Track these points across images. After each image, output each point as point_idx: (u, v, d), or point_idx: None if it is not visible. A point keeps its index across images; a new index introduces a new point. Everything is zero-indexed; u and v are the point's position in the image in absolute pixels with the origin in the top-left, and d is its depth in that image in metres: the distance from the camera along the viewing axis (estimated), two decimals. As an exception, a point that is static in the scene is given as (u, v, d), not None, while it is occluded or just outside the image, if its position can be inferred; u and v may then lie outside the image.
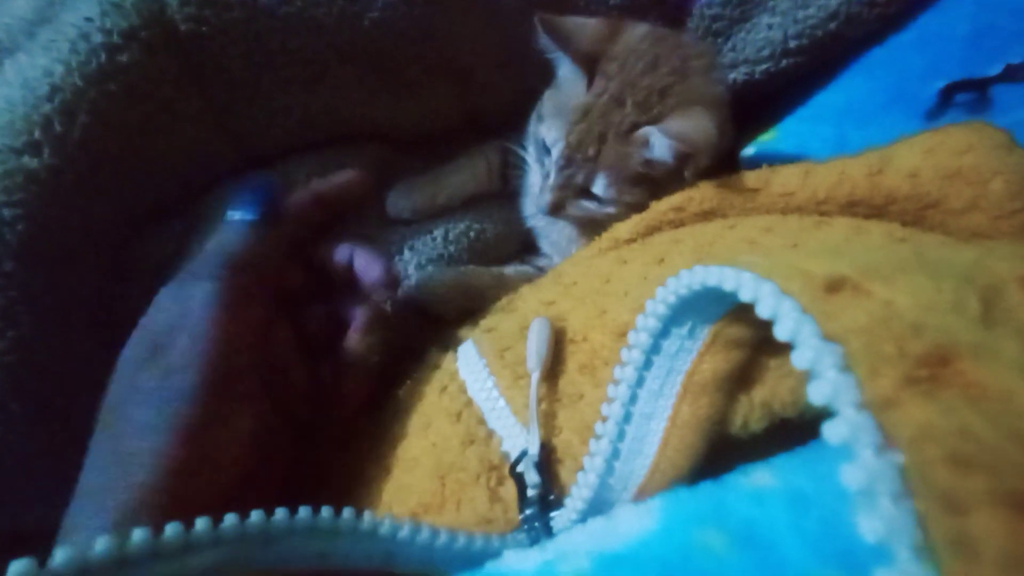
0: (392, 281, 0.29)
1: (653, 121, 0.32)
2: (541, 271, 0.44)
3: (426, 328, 0.39)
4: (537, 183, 0.36)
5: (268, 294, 0.26)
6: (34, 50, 0.29)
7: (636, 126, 0.32)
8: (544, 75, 0.42)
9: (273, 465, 0.25)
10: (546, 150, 0.35)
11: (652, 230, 0.31)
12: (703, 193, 0.30)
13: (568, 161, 0.33)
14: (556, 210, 0.35)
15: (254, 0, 0.32)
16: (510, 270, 0.43)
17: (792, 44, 0.37)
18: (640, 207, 0.31)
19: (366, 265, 0.29)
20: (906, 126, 0.37)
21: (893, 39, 0.36)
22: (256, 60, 0.33)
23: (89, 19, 0.29)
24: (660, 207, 0.31)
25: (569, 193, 0.35)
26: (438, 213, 0.42)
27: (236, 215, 0.26)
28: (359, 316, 0.28)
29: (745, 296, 0.15)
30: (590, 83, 0.33)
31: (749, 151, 0.42)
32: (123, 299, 0.33)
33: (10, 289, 0.28)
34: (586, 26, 0.34)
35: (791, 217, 0.29)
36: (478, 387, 0.25)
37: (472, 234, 0.42)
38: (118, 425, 0.22)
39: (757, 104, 0.42)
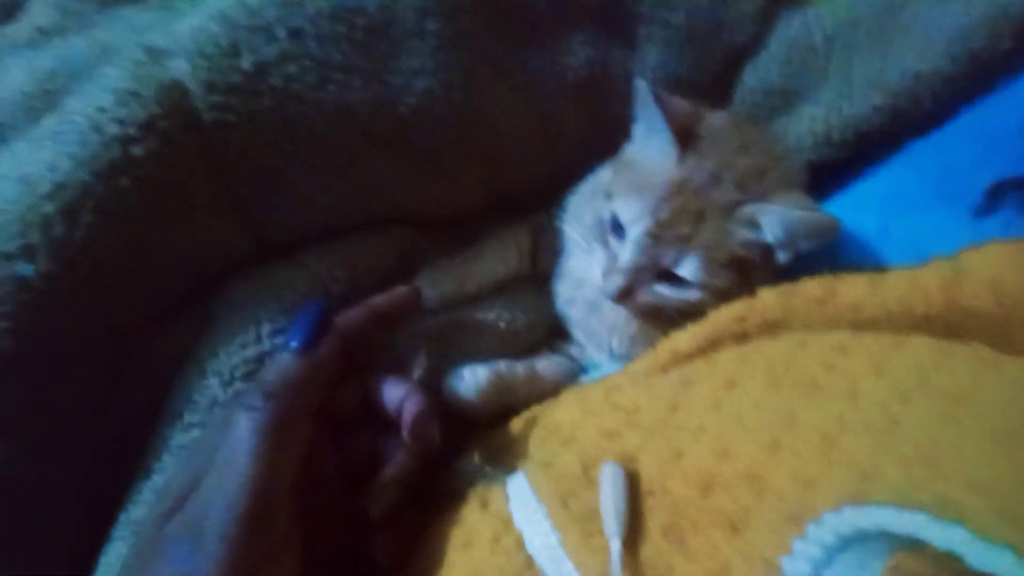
0: (427, 421, 0.25)
1: (756, 201, 0.30)
2: (573, 361, 0.41)
3: (454, 431, 0.36)
4: (598, 265, 0.34)
5: (312, 423, 0.23)
6: (37, 140, 0.26)
7: (739, 204, 0.31)
8: (579, 155, 0.41)
9: None
10: (615, 230, 0.33)
11: (713, 343, 0.29)
12: (765, 303, 0.28)
13: (655, 240, 0.31)
14: (625, 296, 0.32)
15: (285, 86, 0.29)
16: (542, 364, 0.39)
17: (835, 136, 0.36)
18: (725, 296, 0.29)
19: (395, 390, 0.26)
20: (953, 220, 0.36)
21: (941, 130, 0.36)
22: (283, 147, 0.31)
23: (102, 109, 0.26)
24: (721, 317, 0.29)
25: (645, 276, 0.32)
26: (466, 301, 0.39)
27: (286, 343, 0.24)
28: (385, 472, 0.26)
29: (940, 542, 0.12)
30: (680, 158, 0.31)
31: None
32: (122, 406, 0.29)
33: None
34: (676, 100, 0.32)
35: (865, 336, 0.26)
36: (539, 543, 0.22)
37: (502, 324, 0.39)
38: None
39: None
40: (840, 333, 0.26)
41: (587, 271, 0.37)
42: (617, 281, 0.32)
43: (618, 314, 0.36)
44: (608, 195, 0.33)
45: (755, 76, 0.37)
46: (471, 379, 0.34)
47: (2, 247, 0.24)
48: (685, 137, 0.31)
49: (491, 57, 0.34)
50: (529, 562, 0.21)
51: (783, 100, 0.37)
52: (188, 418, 0.29)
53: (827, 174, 0.39)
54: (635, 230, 0.31)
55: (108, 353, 0.29)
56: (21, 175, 0.25)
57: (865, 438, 0.19)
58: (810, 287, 0.28)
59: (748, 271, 0.31)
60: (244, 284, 0.32)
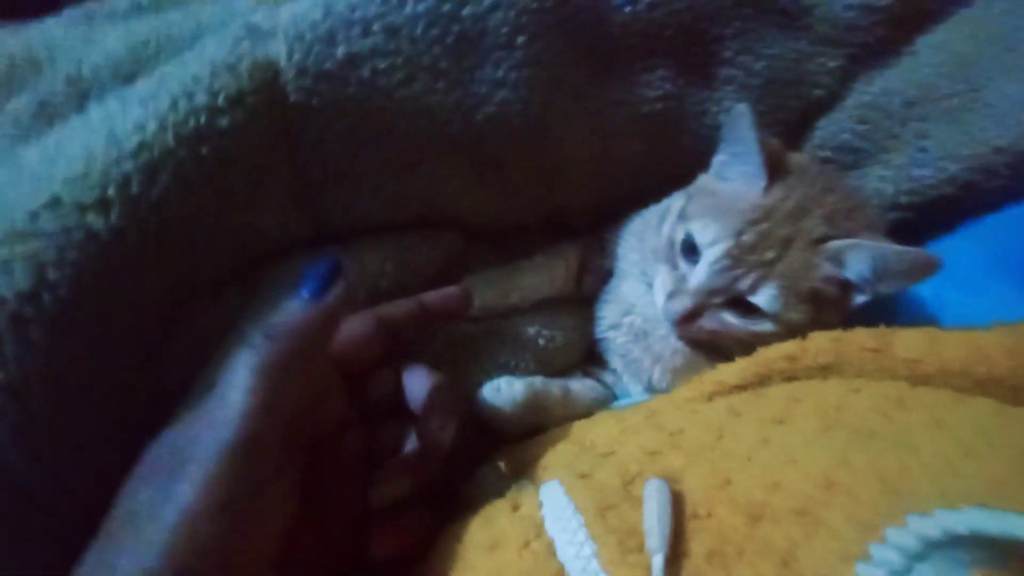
0: (452, 406, 0.25)
1: (845, 236, 0.30)
2: (607, 388, 0.40)
3: (477, 443, 0.35)
4: (662, 288, 0.33)
5: (315, 369, 0.23)
6: (128, 100, 0.26)
7: (828, 238, 0.30)
8: (633, 184, 0.41)
9: None
10: (687, 252, 0.32)
11: (762, 379, 0.28)
12: (818, 345, 0.28)
13: (734, 263, 0.30)
14: (689, 319, 0.31)
15: (372, 80, 0.30)
16: (576, 385, 0.39)
17: (903, 200, 0.36)
18: (792, 333, 0.29)
19: (422, 385, 0.26)
20: (1012, 298, 0.36)
21: (1008, 208, 0.35)
22: (359, 138, 0.31)
23: (197, 78, 0.26)
24: (771, 354, 0.28)
25: (714, 302, 0.31)
26: (507, 313, 0.39)
27: (297, 291, 0.23)
28: (395, 462, 0.25)
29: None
30: (768, 188, 0.31)
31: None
32: (158, 381, 0.29)
33: (28, 360, 0.24)
34: (768, 136, 0.32)
35: (923, 391, 0.26)
36: (572, 553, 0.21)
37: (541, 341, 0.38)
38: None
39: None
40: (896, 385, 0.26)
41: (639, 296, 0.36)
42: (684, 303, 0.31)
43: (665, 345, 0.35)
44: (683, 217, 0.33)
45: (827, 132, 0.37)
46: (507, 391, 0.34)
47: (80, 197, 0.24)
48: (773, 169, 0.31)
49: (571, 80, 0.34)
50: (560, 571, 0.21)
51: (853, 158, 0.37)
52: None
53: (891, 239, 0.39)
54: (712, 251, 0.30)
55: (155, 323, 0.28)
56: (110, 131, 0.25)
57: (929, 487, 0.19)
58: (864, 336, 0.28)
59: (821, 309, 0.30)
60: (294, 266, 0.32)
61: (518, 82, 0.33)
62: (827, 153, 0.37)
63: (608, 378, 0.40)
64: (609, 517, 0.22)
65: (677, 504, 0.21)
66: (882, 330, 0.28)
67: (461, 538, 0.24)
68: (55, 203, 0.24)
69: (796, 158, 0.33)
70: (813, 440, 0.22)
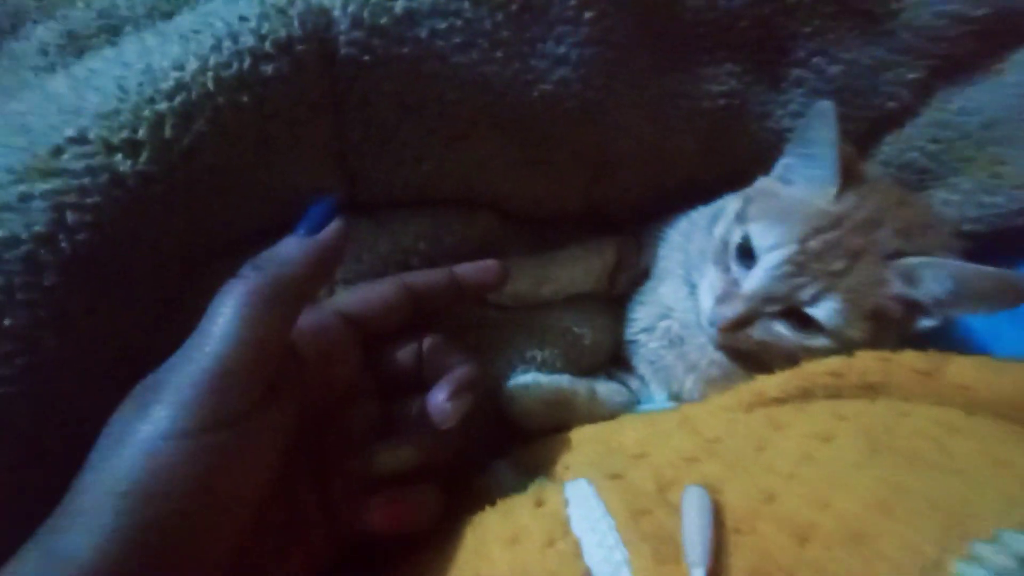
0: (470, 383, 0.24)
1: (919, 254, 0.28)
2: (631, 393, 0.39)
3: (496, 437, 0.33)
4: (710, 291, 0.31)
5: (302, 304, 0.22)
6: (167, 34, 0.24)
7: (901, 253, 0.28)
8: (681, 185, 0.39)
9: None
10: (742, 256, 0.30)
11: (805, 393, 0.27)
12: (865, 364, 0.26)
13: (798, 270, 0.28)
14: (738, 326, 0.29)
15: (429, 40, 0.27)
16: (602, 387, 0.37)
17: (966, 227, 0.34)
18: (850, 350, 0.27)
19: (446, 357, 0.25)
20: (1073, 337, 0.34)
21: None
22: (406, 103, 0.29)
23: (244, 18, 0.24)
24: (815, 369, 0.27)
25: (769, 310, 0.29)
26: (535, 305, 0.37)
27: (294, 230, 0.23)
28: (405, 431, 0.24)
29: None
30: (839, 195, 0.29)
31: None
32: (171, 340, 0.27)
33: (41, 307, 0.22)
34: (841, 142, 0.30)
35: (978, 419, 0.24)
36: (601, 557, 0.20)
37: (569, 338, 0.37)
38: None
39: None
40: (948, 411, 0.24)
41: (679, 300, 0.34)
42: (736, 308, 0.29)
43: (702, 354, 0.34)
44: (741, 218, 0.30)
45: (895, 148, 0.35)
46: (535, 388, 0.32)
47: (108, 136, 0.22)
48: (845, 175, 0.29)
49: (635, 65, 0.32)
50: (587, 574, 0.19)
51: (918, 179, 0.35)
52: None
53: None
54: (772, 257, 0.28)
55: (174, 278, 0.27)
56: (147, 66, 0.23)
57: (993, 522, 0.18)
58: (914, 358, 0.26)
59: (881, 330, 0.28)
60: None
61: (580, 60, 0.30)
62: (892, 171, 0.35)
63: (633, 383, 0.39)
64: (643, 523, 0.20)
65: (717, 515, 0.20)
66: (934, 354, 0.27)
67: (477, 529, 0.23)
68: (81, 138, 0.22)
69: (868, 166, 0.31)
70: (861, 461, 0.21)
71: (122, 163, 0.22)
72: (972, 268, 0.27)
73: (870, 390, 0.26)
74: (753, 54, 0.33)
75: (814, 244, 0.28)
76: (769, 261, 0.28)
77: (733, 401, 0.28)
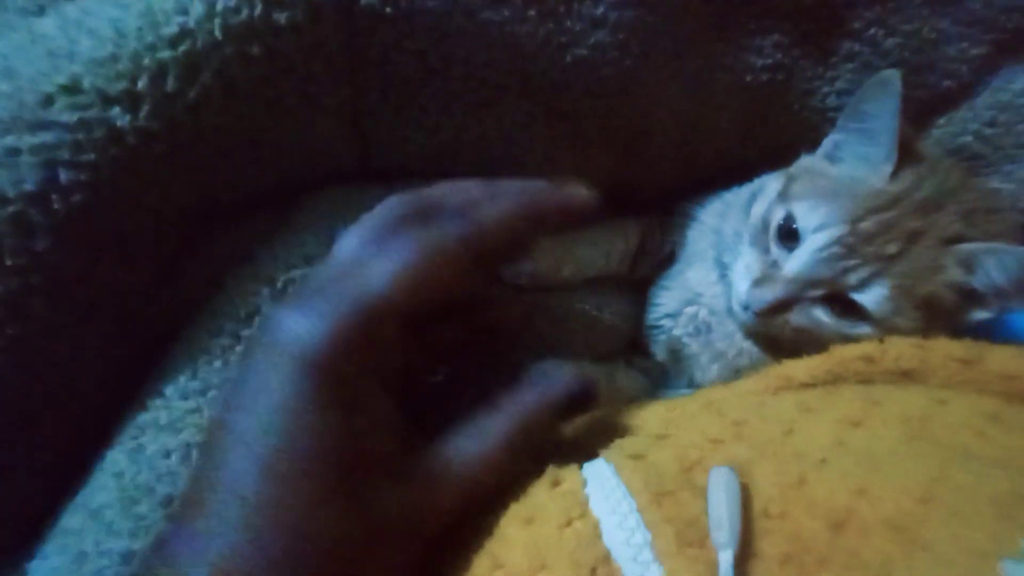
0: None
1: (982, 239, 0.26)
2: (648, 381, 0.37)
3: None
4: (746, 273, 0.29)
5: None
6: (169, -27, 0.22)
7: (961, 238, 0.26)
8: (714, 166, 0.37)
9: None
10: (784, 237, 0.28)
11: (835, 378, 0.26)
12: (900, 349, 0.25)
13: (847, 252, 0.26)
14: (775, 311, 0.27)
15: (457, -6, 0.25)
16: (621, 375, 0.36)
17: (1019, 218, 0.32)
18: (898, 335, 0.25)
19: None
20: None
21: None
22: (430, 63, 0.26)
23: (256, -43, 0.22)
24: (847, 353, 0.25)
25: (812, 295, 0.27)
26: (556, 285, 0.35)
27: None
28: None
29: None
30: (897, 173, 0.27)
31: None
32: (168, 306, 0.25)
33: (33, 273, 0.20)
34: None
35: (1019, 409, 0.23)
36: (621, 539, 0.19)
37: (587, 321, 0.35)
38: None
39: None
40: (990, 401, 0.23)
41: (708, 286, 0.33)
42: (776, 291, 0.27)
43: (730, 343, 0.32)
44: (784, 197, 0.28)
45: (947, 131, 0.33)
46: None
47: (104, 85, 0.20)
48: (902, 153, 0.27)
49: (676, 32, 0.30)
50: (606, 556, 0.18)
51: (968, 165, 0.33)
52: (221, 322, 0.25)
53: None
54: (819, 237, 0.26)
55: (173, 242, 0.25)
56: (145, 7, 0.21)
57: None
58: (951, 346, 0.25)
59: (932, 320, 0.26)
60: (333, 196, 0.28)
61: (618, 24, 0.28)
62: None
63: (652, 370, 0.37)
64: (666, 504, 0.19)
65: (745, 498, 0.19)
66: (972, 343, 0.26)
67: (493, 509, 0.22)
68: (74, 87, 0.20)
69: (928, 148, 0.29)
70: (898, 449, 0.20)
71: (120, 117, 0.20)
72: (1015, 251, 0.25)
73: (904, 377, 0.25)
74: (804, 24, 0.31)
75: (867, 225, 0.26)
76: (815, 242, 0.27)
77: (760, 385, 0.26)
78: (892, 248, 0.26)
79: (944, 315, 0.27)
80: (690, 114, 0.33)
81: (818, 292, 0.27)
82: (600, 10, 0.28)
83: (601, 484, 0.21)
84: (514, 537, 0.20)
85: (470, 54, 0.27)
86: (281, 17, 0.22)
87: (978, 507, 0.17)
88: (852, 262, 0.26)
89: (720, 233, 0.33)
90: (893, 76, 0.26)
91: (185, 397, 0.24)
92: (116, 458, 0.23)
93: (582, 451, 0.26)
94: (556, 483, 0.22)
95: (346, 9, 0.24)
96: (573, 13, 0.27)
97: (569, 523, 0.20)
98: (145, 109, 0.21)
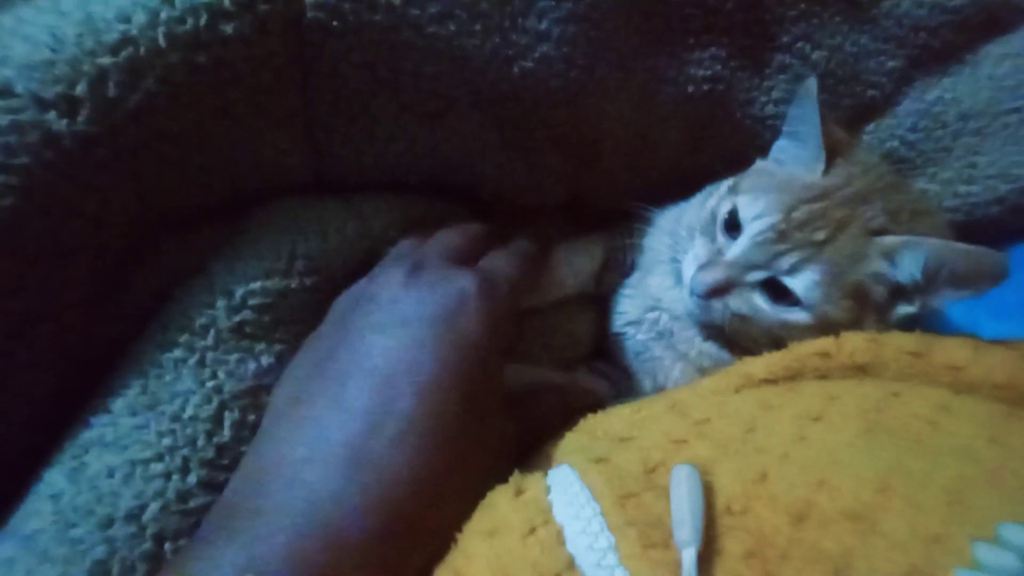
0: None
1: (905, 234, 0.27)
2: (613, 387, 0.37)
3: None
4: (694, 260, 0.30)
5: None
6: (113, -16, 0.22)
7: (885, 231, 0.27)
8: (664, 177, 0.38)
9: None
10: (729, 228, 0.29)
11: (794, 373, 0.26)
12: (854, 344, 0.26)
13: (779, 238, 0.27)
14: (717, 292, 0.28)
15: (403, 9, 0.26)
16: (583, 379, 0.36)
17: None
18: (829, 329, 0.26)
19: None
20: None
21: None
22: (379, 76, 0.27)
23: (201, -31, 0.22)
24: (803, 349, 0.26)
25: (749, 279, 0.28)
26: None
27: None
28: None
29: None
30: (825, 171, 0.29)
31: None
32: (113, 320, 0.24)
33: (-41, 282, 0.19)
34: (831, 123, 0.30)
35: (966, 399, 0.24)
36: (585, 544, 0.19)
37: (548, 330, 0.36)
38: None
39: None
40: (938, 391, 0.25)
41: (666, 291, 0.33)
42: (716, 274, 0.28)
43: (691, 344, 0.33)
44: (733, 191, 0.30)
45: (875, 138, 0.35)
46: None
47: (39, 89, 0.20)
48: (832, 152, 0.29)
49: (620, 46, 0.31)
50: (569, 562, 0.18)
51: (897, 168, 0.35)
52: (174, 335, 0.24)
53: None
54: (756, 225, 0.28)
55: (118, 253, 0.24)
56: (87, 16, 0.21)
57: (998, 500, 0.18)
58: (903, 340, 0.26)
59: (863, 311, 0.28)
60: (289, 210, 0.28)
61: (562, 38, 0.29)
62: (873, 160, 0.35)
63: (615, 376, 0.38)
64: (629, 506, 0.19)
65: (708, 496, 0.19)
66: (922, 335, 0.27)
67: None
68: (5, 91, 0.19)
69: (863, 152, 0.30)
70: (856, 441, 0.21)
71: (56, 121, 0.20)
72: (946, 244, 0.26)
73: (859, 371, 0.26)
74: (739, 38, 0.33)
75: (798, 214, 0.27)
76: (753, 229, 0.28)
77: (722, 384, 0.27)
78: (820, 235, 0.27)
79: (875, 307, 0.28)
80: (638, 125, 0.34)
81: (755, 276, 0.28)
82: (544, 25, 0.29)
83: (564, 490, 0.21)
84: (476, 551, 0.20)
85: (419, 66, 0.27)
86: (227, 28, 0.23)
87: (931, 494, 0.18)
88: (784, 247, 0.27)
89: (675, 235, 0.34)
90: (811, 83, 0.28)
91: (133, 413, 0.23)
92: (54, 479, 0.22)
93: (547, 457, 0.26)
94: (519, 492, 0.22)
95: (293, 22, 0.24)
96: (518, 27, 0.28)
97: (532, 532, 0.20)
98: (84, 114, 0.20)
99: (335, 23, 0.25)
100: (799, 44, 0.33)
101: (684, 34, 0.32)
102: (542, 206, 0.37)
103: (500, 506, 0.21)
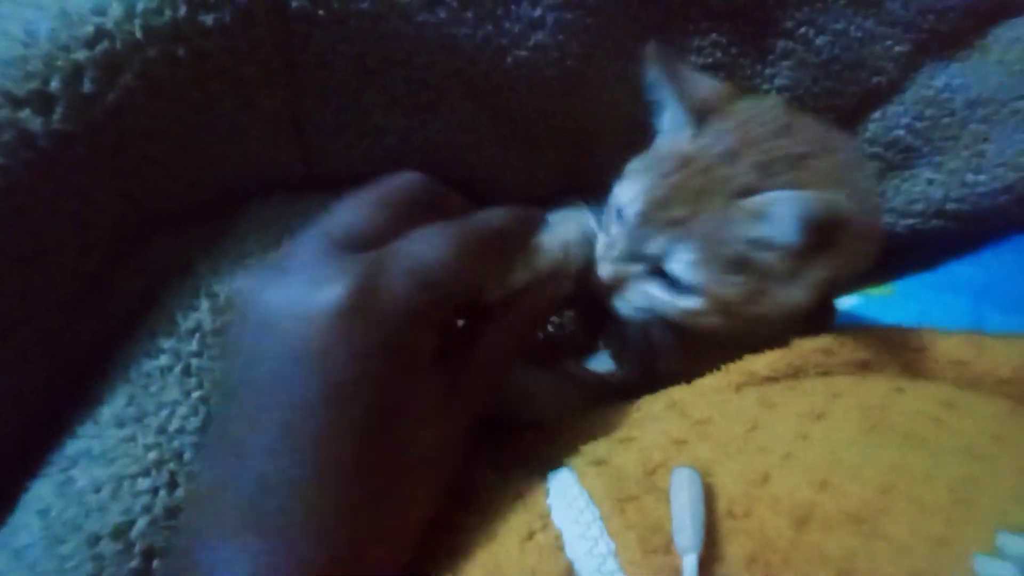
0: None
1: (778, 188, 0.24)
2: (602, 381, 0.37)
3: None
4: (598, 256, 0.28)
5: None
6: (87, -25, 0.21)
7: (751, 190, 0.24)
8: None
9: None
10: (618, 215, 0.27)
11: (795, 371, 0.26)
12: (856, 340, 0.26)
13: (644, 221, 0.25)
14: (614, 289, 0.27)
15: (392, -3, 0.25)
16: (574, 379, 0.35)
17: (950, 207, 0.33)
18: (734, 313, 0.24)
19: None
20: (1056, 321, 0.34)
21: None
22: (368, 67, 0.26)
23: (179, -42, 0.21)
24: (805, 347, 0.26)
25: (634, 269, 0.26)
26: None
27: None
28: None
29: None
30: (695, 136, 0.26)
31: (850, 301, 0.38)
32: (98, 322, 0.24)
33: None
34: (704, 79, 0.28)
35: (972, 395, 0.24)
36: (584, 549, 0.18)
37: (551, 328, 0.35)
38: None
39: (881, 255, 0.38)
40: (942, 386, 0.24)
41: None
42: (606, 270, 0.27)
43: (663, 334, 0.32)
44: (620, 177, 0.28)
45: (881, 125, 0.34)
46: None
47: (11, 86, 0.19)
48: (703, 113, 0.26)
49: (616, 34, 0.30)
50: (568, 569, 0.18)
51: (903, 157, 0.34)
52: (160, 341, 0.24)
53: (928, 247, 0.36)
54: (628, 211, 0.26)
55: (101, 254, 0.24)
56: (61, 10, 0.20)
57: (1006, 498, 0.17)
58: (905, 334, 0.26)
59: (761, 284, 0.25)
60: (277, 206, 0.27)
61: (557, 25, 0.28)
62: (877, 149, 0.35)
63: (606, 371, 0.37)
64: (629, 511, 0.19)
65: (709, 499, 0.19)
66: (924, 330, 0.27)
67: (454, 527, 0.21)
68: (-23, 88, 0.19)
69: (750, 101, 0.27)
70: (859, 439, 0.20)
71: (31, 119, 0.19)
72: (797, 195, 0.23)
73: (862, 367, 0.26)
74: (740, 24, 0.32)
75: (657, 192, 0.25)
76: (626, 216, 0.26)
77: (722, 382, 0.26)
78: (679, 211, 0.25)
79: (775, 277, 0.25)
80: (637, 114, 0.33)
81: (641, 267, 0.26)
82: (538, 12, 0.28)
83: (563, 494, 0.20)
84: (474, 556, 0.19)
85: (409, 56, 0.27)
86: (208, 19, 0.22)
87: (935, 493, 0.18)
88: (649, 230, 0.25)
89: (611, 209, 0.32)
90: (649, 49, 0.26)
91: (120, 424, 0.22)
92: (42, 492, 0.22)
93: (546, 458, 0.25)
94: (518, 495, 0.21)
95: (278, 11, 0.24)
96: (511, 15, 0.28)
97: (531, 537, 0.19)
98: (59, 111, 0.20)
99: (321, 12, 0.24)
100: (802, 29, 0.32)
101: (684, 21, 0.31)
102: (539, 200, 0.37)
103: (499, 510, 0.21)
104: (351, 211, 0.20)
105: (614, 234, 0.28)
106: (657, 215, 0.25)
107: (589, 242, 0.30)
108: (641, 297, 0.27)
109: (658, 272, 0.26)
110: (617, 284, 0.27)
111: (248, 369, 0.17)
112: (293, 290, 0.17)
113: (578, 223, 0.35)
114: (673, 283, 0.26)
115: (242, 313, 0.18)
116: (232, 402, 0.18)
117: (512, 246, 0.23)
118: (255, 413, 0.17)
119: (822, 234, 0.23)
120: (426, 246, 0.19)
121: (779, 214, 0.23)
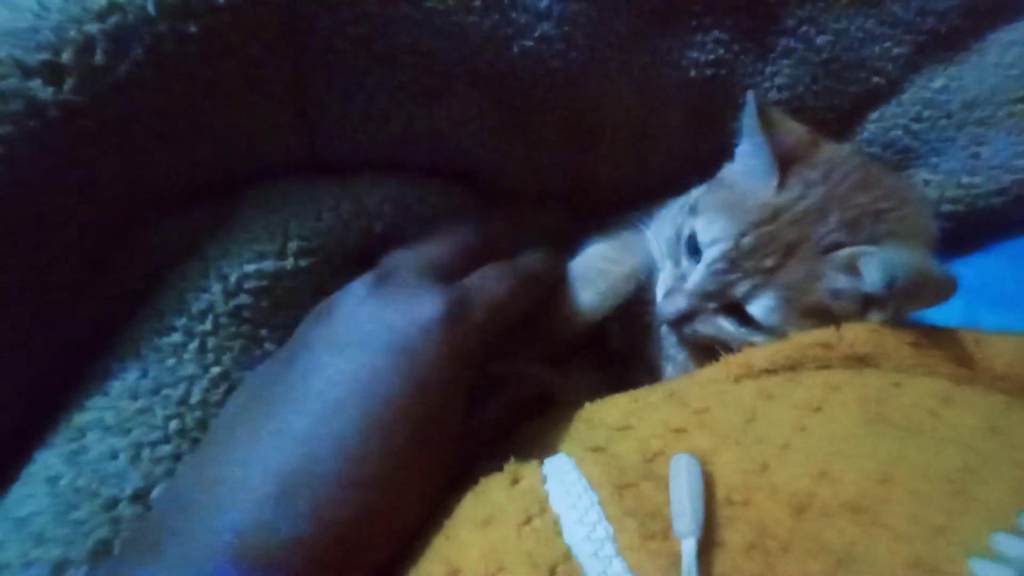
0: None
1: (867, 243, 0.26)
2: (606, 376, 0.37)
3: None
4: (662, 284, 0.30)
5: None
6: (100, -51, 0.21)
7: (839, 245, 0.26)
8: (667, 167, 0.37)
9: None
10: (691, 249, 0.29)
11: (794, 363, 0.26)
12: (855, 335, 0.26)
13: (731, 266, 0.27)
14: (682, 321, 0.28)
15: (400, -18, 0.25)
16: (577, 375, 0.36)
17: (946, 208, 0.34)
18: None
19: None
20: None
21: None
22: (375, 51, 0.26)
23: (191, -65, 0.22)
24: (804, 340, 0.26)
25: (711, 305, 0.28)
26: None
27: None
28: None
29: None
30: (781, 185, 0.28)
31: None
32: (100, 300, 0.24)
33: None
34: (790, 123, 0.29)
35: (969, 390, 0.24)
36: (582, 534, 0.18)
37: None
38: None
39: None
40: (939, 382, 0.24)
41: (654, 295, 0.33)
42: (678, 303, 0.28)
43: (679, 348, 0.32)
44: (693, 210, 0.30)
45: (879, 126, 0.35)
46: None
47: (22, 56, 0.19)
48: (789, 163, 0.28)
49: (621, 27, 0.31)
50: (567, 553, 0.18)
51: (900, 158, 0.35)
52: (170, 320, 0.24)
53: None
54: (711, 252, 0.28)
55: (105, 230, 0.24)
56: (71, -18, 0.20)
57: (1003, 490, 0.18)
58: (904, 330, 0.26)
59: (834, 321, 0.27)
60: (283, 189, 0.28)
61: (563, 17, 0.29)
62: (875, 150, 0.35)
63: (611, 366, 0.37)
64: (627, 496, 0.19)
65: (708, 486, 0.19)
66: (922, 327, 0.27)
67: (451, 512, 0.21)
68: (-11, 57, 0.19)
69: (829, 151, 0.29)
70: (857, 432, 0.21)
71: (41, 89, 0.19)
72: (898, 259, 0.25)
73: (860, 361, 0.26)
74: (742, 21, 0.32)
75: (747, 240, 0.27)
76: (708, 256, 0.28)
77: (721, 373, 0.27)
78: (769, 262, 0.27)
79: (845, 319, 0.27)
80: (640, 109, 0.34)
81: (716, 303, 0.28)
82: (545, 3, 0.28)
83: (561, 479, 0.20)
84: (470, 540, 0.20)
85: (416, 42, 0.27)
86: (219, -4, 0.22)
87: (934, 485, 0.18)
88: (735, 276, 0.27)
89: (662, 239, 0.33)
90: (749, 97, 0.28)
91: (135, 397, 0.23)
92: (50, 462, 0.22)
93: (543, 447, 0.26)
94: (515, 480, 0.21)
95: (287, -8, 0.24)
96: (518, 5, 0.28)
97: (528, 521, 0.19)
98: (70, 82, 0.20)
99: (329, -6, 0.24)
100: (803, 28, 0.32)
101: (686, 16, 0.31)
102: (545, 194, 0.37)
103: (495, 495, 0.21)
104: (434, 249, 0.26)
105: (685, 267, 0.29)
106: (745, 263, 0.27)
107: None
108: (711, 328, 0.29)
109: (731, 308, 0.28)
110: (687, 316, 0.29)
111: (328, 359, 0.21)
112: (400, 303, 0.22)
113: (645, 250, 0.35)
114: (747, 320, 0.28)
115: (340, 315, 0.22)
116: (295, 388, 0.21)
117: (549, 285, 0.30)
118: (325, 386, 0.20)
119: (904, 287, 0.25)
120: (493, 283, 0.25)
121: (868, 270, 0.26)
